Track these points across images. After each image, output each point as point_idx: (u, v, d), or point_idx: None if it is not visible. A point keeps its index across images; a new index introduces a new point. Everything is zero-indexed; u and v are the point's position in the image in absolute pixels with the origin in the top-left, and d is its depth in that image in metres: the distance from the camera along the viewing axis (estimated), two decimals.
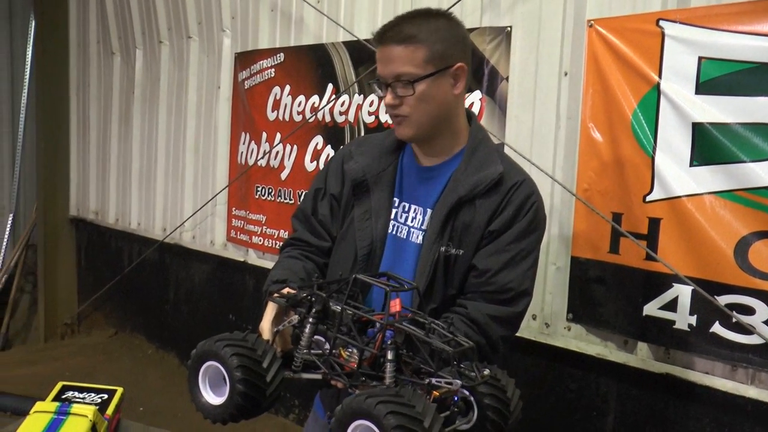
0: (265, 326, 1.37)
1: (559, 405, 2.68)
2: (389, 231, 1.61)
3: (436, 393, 1.17)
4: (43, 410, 1.65)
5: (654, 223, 2.28)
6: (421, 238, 1.57)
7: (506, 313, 1.53)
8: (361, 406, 1.05)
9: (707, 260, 2.17)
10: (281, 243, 1.82)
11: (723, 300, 2.14)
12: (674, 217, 2.22)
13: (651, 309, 2.33)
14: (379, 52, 1.52)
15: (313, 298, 1.30)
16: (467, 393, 1.20)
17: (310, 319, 1.29)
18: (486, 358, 1.48)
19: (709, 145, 2.13)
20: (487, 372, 1.23)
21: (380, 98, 1.64)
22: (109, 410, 1.82)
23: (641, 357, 2.42)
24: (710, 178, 2.13)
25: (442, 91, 1.52)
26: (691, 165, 2.17)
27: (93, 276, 5.50)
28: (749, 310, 2.11)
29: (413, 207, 1.60)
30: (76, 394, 1.88)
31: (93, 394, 1.89)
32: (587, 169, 2.44)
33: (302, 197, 1.82)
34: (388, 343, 1.21)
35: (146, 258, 4.79)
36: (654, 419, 2.47)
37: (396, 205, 1.61)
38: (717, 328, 2.19)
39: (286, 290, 1.39)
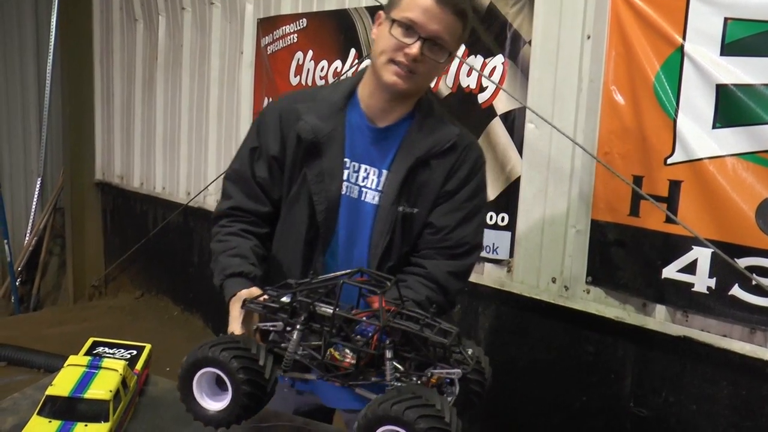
0: (237, 329, 1.37)
1: (577, 367, 2.71)
2: (342, 192, 1.60)
3: (433, 380, 1.23)
4: (75, 363, 1.71)
5: (675, 186, 2.27)
6: (377, 198, 1.59)
7: (462, 267, 1.63)
8: (389, 413, 1.08)
9: (728, 223, 2.17)
10: (214, 212, 1.72)
11: (743, 262, 2.14)
12: (695, 179, 2.22)
13: (670, 272, 2.34)
14: (431, 7, 1.47)
15: (298, 305, 1.29)
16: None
17: (298, 326, 1.28)
18: (444, 313, 1.55)
19: (732, 107, 2.11)
20: (471, 351, 1.29)
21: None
22: (138, 365, 1.88)
23: (659, 320, 2.43)
24: (733, 140, 2.11)
25: (442, 68, 1.57)
26: (714, 127, 2.16)
27: (119, 239, 5.60)
28: None
29: (364, 167, 1.60)
30: (106, 349, 1.94)
31: (122, 350, 1.95)
32: (608, 132, 2.44)
33: (235, 156, 1.73)
34: (386, 342, 1.22)
35: (171, 221, 4.86)
36: (671, 382, 2.49)
37: (347, 165, 1.60)
38: (736, 290, 2.20)
39: (262, 297, 1.35)
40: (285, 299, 1.31)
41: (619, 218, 2.44)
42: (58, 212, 5.87)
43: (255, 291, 1.42)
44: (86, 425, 1.52)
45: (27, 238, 5.89)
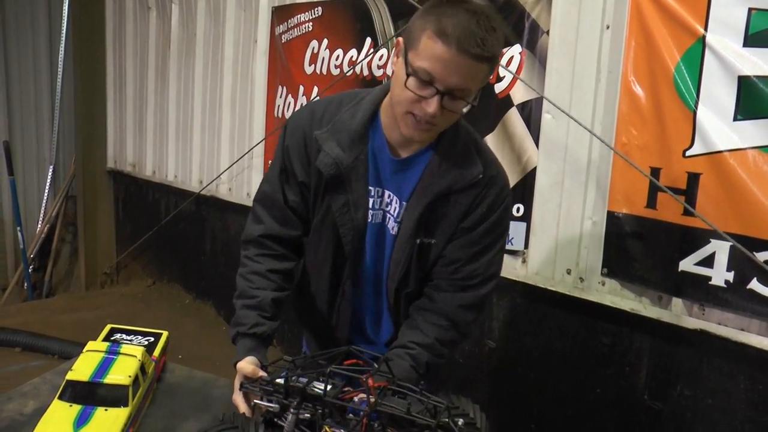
0: (241, 404, 1.44)
1: (592, 359, 2.71)
2: (369, 220, 1.58)
3: None
4: (94, 349, 1.72)
5: (693, 178, 2.25)
6: (396, 229, 1.58)
7: (474, 299, 1.60)
8: None
9: (747, 216, 2.15)
10: (244, 234, 1.69)
11: (762, 256, 2.12)
12: (714, 172, 2.20)
13: (687, 265, 2.32)
14: (451, 58, 1.29)
15: (291, 389, 1.36)
16: None
17: (291, 410, 1.36)
18: (454, 346, 1.60)
19: (755, 99, 2.09)
20: (461, 422, 1.32)
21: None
22: (156, 352, 1.90)
23: (675, 313, 2.42)
24: (754, 133, 2.09)
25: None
26: (735, 119, 2.13)
27: (131, 227, 5.62)
28: None
29: (388, 193, 1.57)
30: (124, 336, 1.96)
31: (140, 337, 1.97)
32: (627, 123, 2.42)
33: (264, 178, 1.68)
34: (375, 426, 1.29)
35: (183, 210, 4.87)
36: (687, 376, 2.48)
37: (371, 194, 1.57)
38: (754, 284, 2.18)
39: (258, 374, 1.43)
40: (279, 381, 1.39)
41: (636, 210, 2.42)
42: (70, 200, 5.90)
43: (255, 371, 1.45)
44: (106, 410, 1.53)
45: (39, 226, 5.93)
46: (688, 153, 2.25)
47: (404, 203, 1.55)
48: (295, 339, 3.98)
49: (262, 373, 1.44)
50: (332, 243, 1.60)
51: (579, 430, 2.80)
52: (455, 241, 1.57)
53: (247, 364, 1.47)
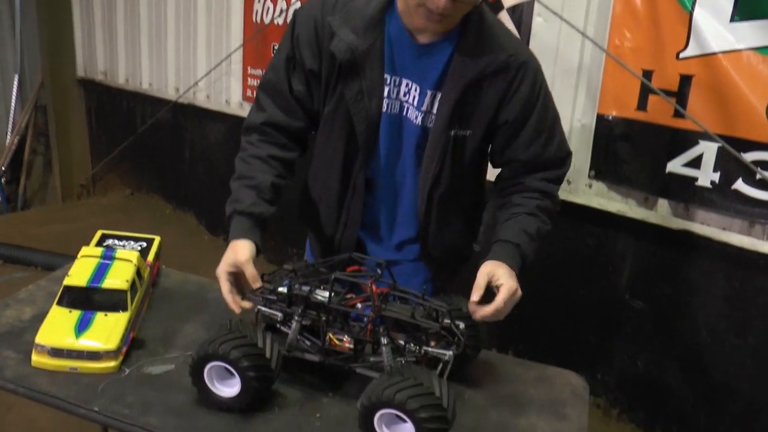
0: (231, 302, 1.42)
1: (577, 261, 2.77)
2: (383, 110, 1.53)
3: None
4: (89, 255, 1.70)
5: (685, 80, 2.25)
6: (420, 119, 1.53)
7: (556, 175, 1.59)
8: (392, 401, 1.18)
9: (737, 117, 2.16)
10: (246, 121, 1.64)
11: (749, 157, 2.16)
12: (707, 74, 2.20)
13: (674, 166, 2.35)
14: None
15: (294, 298, 1.37)
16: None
17: (296, 317, 1.38)
18: (552, 216, 1.57)
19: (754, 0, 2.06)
20: (462, 326, 1.36)
21: None
22: (150, 257, 1.88)
23: (661, 213, 2.47)
24: (751, 34, 2.07)
25: None
26: (732, 20, 2.11)
27: (106, 137, 5.49)
28: None
29: (405, 81, 1.52)
30: (116, 241, 1.94)
31: (132, 242, 1.95)
32: (620, 25, 2.38)
33: (270, 65, 1.60)
34: (381, 329, 1.32)
35: (159, 119, 4.76)
36: (668, 276, 2.56)
37: (387, 81, 1.51)
38: (739, 184, 2.23)
39: (258, 284, 1.42)
40: (282, 289, 1.39)
41: (627, 113, 2.43)
42: (40, 110, 5.70)
43: (248, 261, 1.43)
44: (106, 315, 1.53)
45: (9, 137, 5.75)
46: (681, 55, 2.24)
47: (429, 91, 1.51)
48: (278, 249, 4.00)
49: (258, 282, 1.42)
50: (344, 134, 1.56)
51: (562, 331, 2.90)
52: (517, 141, 1.53)
53: (243, 250, 1.44)
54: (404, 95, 1.53)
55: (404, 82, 1.52)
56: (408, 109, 1.54)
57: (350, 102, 1.50)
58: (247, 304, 1.43)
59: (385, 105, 1.53)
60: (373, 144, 1.56)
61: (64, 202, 5.49)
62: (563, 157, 1.59)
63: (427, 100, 1.51)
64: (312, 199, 1.73)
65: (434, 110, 1.51)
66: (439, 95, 1.50)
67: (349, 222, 1.66)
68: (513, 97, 1.49)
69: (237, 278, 1.45)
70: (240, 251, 1.44)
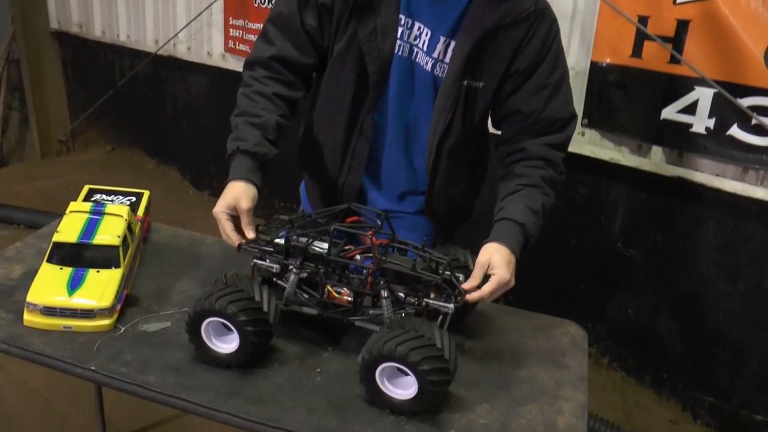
0: (232, 237, 1.39)
1: (569, 210, 2.76)
2: (396, 51, 1.49)
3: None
4: (78, 210, 1.65)
5: (682, 26, 2.22)
6: (429, 65, 1.49)
7: (559, 139, 1.53)
8: (393, 354, 1.16)
9: (734, 63, 2.14)
10: (251, 55, 1.58)
11: (745, 102, 2.14)
12: (705, 18, 2.16)
13: (669, 113, 2.33)
14: None
15: (292, 249, 1.34)
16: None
17: (294, 270, 1.34)
18: (556, 186, 1.53)
19: None
20: (462, 277, 1.34)
21: None
22: (140, 212, 1.84)
23: (654, 161, 2.46)
24: None
25: None
26: None
27: (83, 92, 5.35)
28: None
29: (418, 24, 1.47)
30: (104, 196, 1.88)
31: (121, 197, 1.90)
32: None
33: None
34: (381, 282, 1.29)
35: (139, 72, 4.64)
36: (660, 223, 2.56)
37: (401, 22, 1.47)
38: (734, 130, 2.22)
39: (253, 234, 1.39)
40: (279, 241, 1.36)
41: (621, 59, 2.39)
42: (13, 64, 5.53)
43: (249, 208, 1.40)
44: (98, 271, 1.49)
45: None
46: (678, 0, 2.19)
47: (442, 38, 1.46)
48: (265, 203, 3.95)
49: (252, 233, 1.39)
50: (354, 73, 1.51)
51: (554, 281, 2.91)
52: (522, 90, 1.48)
53: (244, 193, 1.41)
54: (415, 39, 1.48)
55: (417, 25, 1.47)
56: (418, 53, 1.49)
57: (363, 41, 1.46)
58: (252, 234, 1.39)
59: (397, 46, 1.48)
60: (383, 86, 1.52)
61: (44, 159, 5.37)
62: (566, 119, 1.53)
63: (439, 46, 1.47)
64: (315, 142, 1.67)
65: (446, 59, 1.47)
66: (452, 44, 1.45)
67: (354, 166, 1.62)
68: (527, 46, 1.45)
69: (234, 221, 1.41)
70: (241, 195, 1.40)
